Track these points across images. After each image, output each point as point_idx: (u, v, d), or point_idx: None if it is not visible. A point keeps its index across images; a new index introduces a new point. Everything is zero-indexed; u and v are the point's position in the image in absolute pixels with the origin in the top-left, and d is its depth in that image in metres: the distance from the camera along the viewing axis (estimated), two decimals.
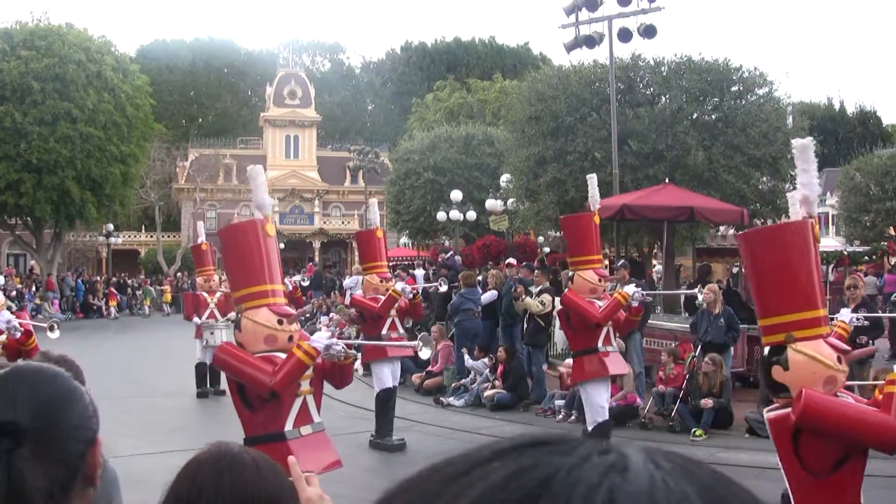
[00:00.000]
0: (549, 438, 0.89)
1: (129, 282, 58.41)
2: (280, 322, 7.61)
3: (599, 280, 12.52)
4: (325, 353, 7.71)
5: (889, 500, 11.76)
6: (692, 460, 0.87)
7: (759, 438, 14.86)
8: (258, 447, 7.18)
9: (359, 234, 16.01)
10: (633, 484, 0.81)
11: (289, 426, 7.70)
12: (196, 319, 20.85)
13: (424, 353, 8.27)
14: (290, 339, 7.63)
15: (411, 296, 15.15)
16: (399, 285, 14.95)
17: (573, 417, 17.06)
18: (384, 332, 14.74)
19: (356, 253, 55.59)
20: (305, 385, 7.88)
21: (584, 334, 12.66)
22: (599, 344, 12.62)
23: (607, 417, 12.97)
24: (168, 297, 56.14)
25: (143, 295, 55.85)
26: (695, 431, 15.38)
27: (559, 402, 17.92)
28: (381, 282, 14.70)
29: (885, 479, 12.16)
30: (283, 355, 7.52)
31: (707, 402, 15.32)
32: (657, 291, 19.98)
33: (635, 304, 12.50)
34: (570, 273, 12.89)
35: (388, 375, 14.90)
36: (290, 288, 18.88)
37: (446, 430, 16.87)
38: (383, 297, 14.59)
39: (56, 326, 11.74)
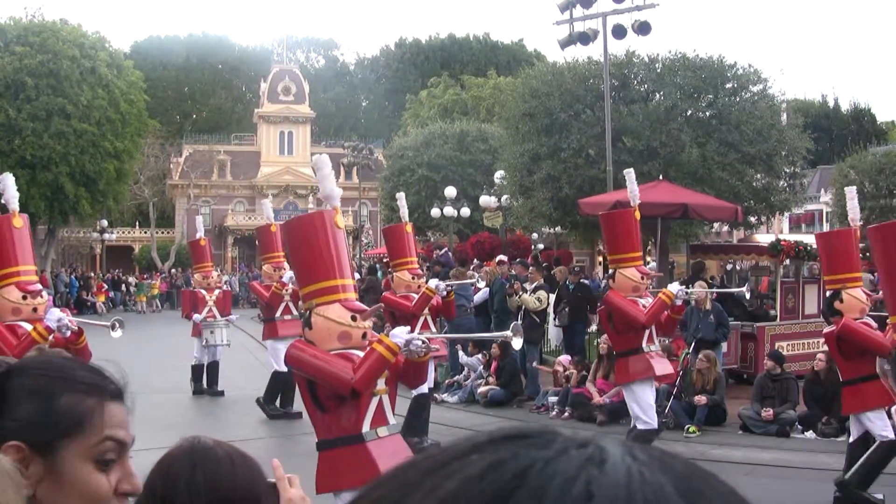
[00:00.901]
0: (528, 431, 0.89)
1: (125, 278, 58.41)
2: (353, 318, 7.30)
3: (642, 277, 12.25)
4: (405, 349, 7.32)
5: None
6: (669, 453, 0.88)
7: (753, 435, 14.92)
8: (335, 451, 7.15)
9: (387, 230, 15.94)
10: (610, 476, 0.82)
11: (366, 427, 7.30)
12: (196, 317, 20.22)
13: (517, 343, 7.82)
14: (364, 335, 7.37)
15: (445, 293, 14.76)
16: (433, 282, 14.59)
17: (566, 414, 17.09)
18: (416, 332, 14.21)
19: (351, 249, 55.68)
20: (381, 384, 7.46)
21: (627, 335, 12.41)
22: (643, 344, 12.33)
23: (655, 423, 12.64)
24: (155, 290, 56.23)
25: (137, 291, 55.65)
26: (688, 428, 15.42)
27: (553, 399, 17.95)
28: (413, 279, 14.41)
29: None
30: (359, 353, 7.26)
31: (700, 399, 15.37)
32: (710, 290, 19.89)
33: (679, 302, 12.27)
34: (612, 271, 12.56)
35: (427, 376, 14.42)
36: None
37: (440, 426, 16.85)
38: (416, 295, 14.30)
39: (119, 325, 11.04)
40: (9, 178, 10.52)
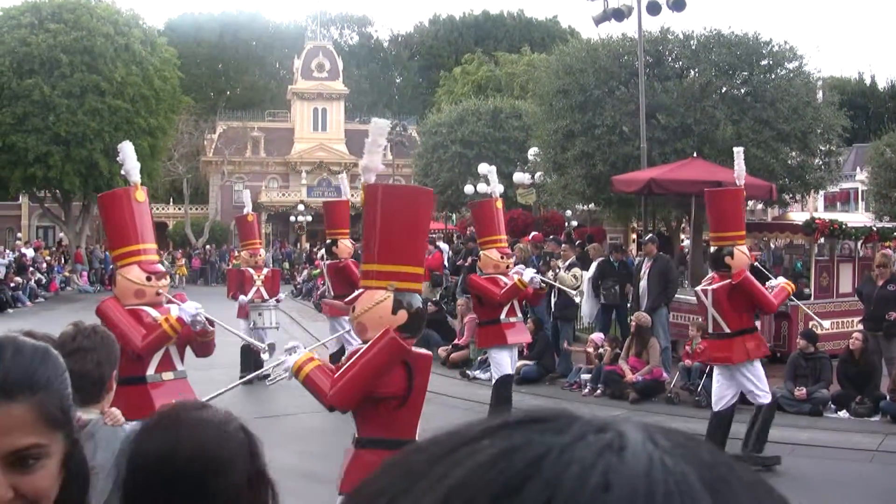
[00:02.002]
0: (543, 415, 0.85)
1: (160, 254, 58.67)
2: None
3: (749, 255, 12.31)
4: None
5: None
6: (693, 438, 0.83)
7: (786, 414, 14.84)
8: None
9: (475, 205, 15.08)
10: (630, 464, 0.77)
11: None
12: (242, 298, 18.93)
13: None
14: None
15: (540, 286, 14.09)
16: (527, 275, 13.62)
17: (599, 391, 17.07)
18: (503, 317, 13.96)
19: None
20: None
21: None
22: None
23: None
24: (184, 269, 55.94)
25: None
26: None
27: (585, 377, 17.93)
28: (502, 258, 13.75)
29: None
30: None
31: None
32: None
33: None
34: (718, 248, 12.09)
35: (507, 361, 14.06)
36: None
37: (472, 403, 16.88)
38: (504, 278, 13.70)
39: (271, 350, 10.44)
40: (128, 147, 9.43)
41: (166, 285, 9.23)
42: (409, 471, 0.82)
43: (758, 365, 11.95)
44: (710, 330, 12.19)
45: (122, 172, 9.18)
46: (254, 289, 18.94)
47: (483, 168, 14.87)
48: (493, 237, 13.92)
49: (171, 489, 2.56)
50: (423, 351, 7.09)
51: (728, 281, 11.60)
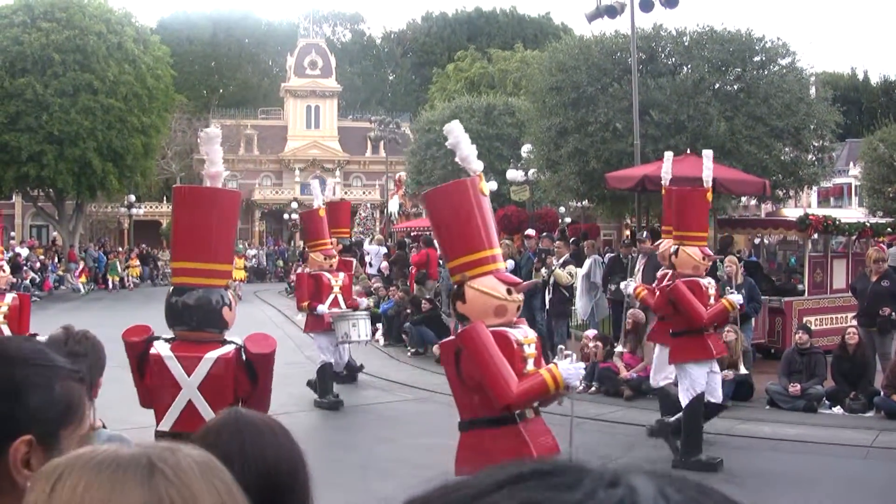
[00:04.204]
0: (554, 468, 0.84)
1: (154, 253, 58.60)
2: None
3: (703, 258, 11.98)
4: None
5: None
6: (705, 489, 0.82)
7: (781, 410, 14.87)
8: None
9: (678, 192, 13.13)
10: None
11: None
12: (321, 308, 16.29)
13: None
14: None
15: (741, 305, 13.37)
16: (736, 298, 12.64)
17: (593, 388, 17.07)
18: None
19: (378, 223, 55.77)
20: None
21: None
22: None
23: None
24: (135, 270, 52.99)
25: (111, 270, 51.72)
26: None
27: None
28: (704, 259, 12.04)
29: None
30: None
31: (728, 374, 15.28)
32: None
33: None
34: (675, 247, 12.16)
35: (703, 380, 11.99)
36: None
37: None
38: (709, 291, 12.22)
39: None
40: (457, 128, 8.15)
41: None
42: None
43: (688, 367, 11.88)
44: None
45: (459, 160, 7.51)
46: (331, 296, 16.53)
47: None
48: (695, 233, 12.40)
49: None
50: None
51: (669, 284, 11.82)
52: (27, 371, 2.18)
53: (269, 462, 2.60)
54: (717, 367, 12.42)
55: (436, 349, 20.81)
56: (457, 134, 7.32)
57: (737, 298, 12.71)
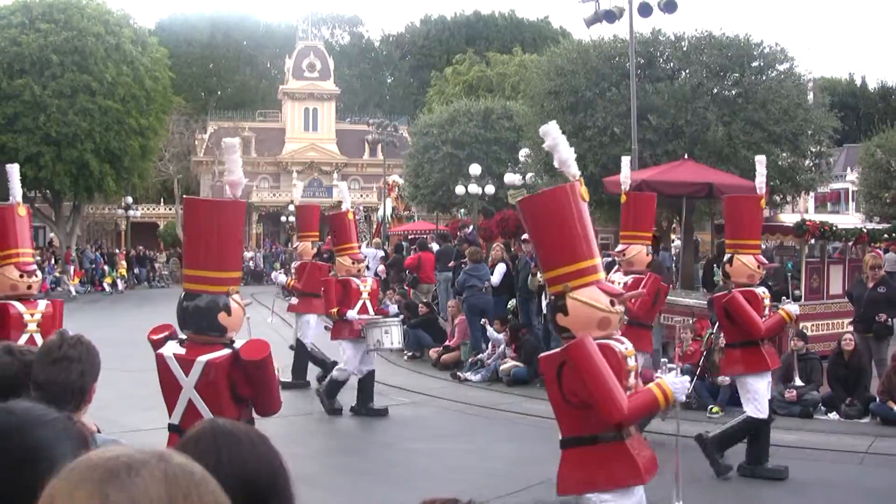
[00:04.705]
0: None
1: (150, 254, 58.57)
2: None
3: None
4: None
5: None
6: None
7: (777, 416, 14.85)
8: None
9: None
10: None
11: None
12: (351, 314, 15.56)
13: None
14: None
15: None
16: (794, 309, 12.48)
17: None
18: None
19: (373, 225, 55.80)
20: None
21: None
22: None
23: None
24: (123, 270, 52.91)
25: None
26: (711, 408, 15.40)
27: None
28: (759, 267, 11.76)
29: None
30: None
31: (724, 380, 15.28)
32: None
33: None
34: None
35: (766, 394, 11.81)
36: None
37: (464, 405, 16.90)
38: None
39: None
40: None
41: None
42: None
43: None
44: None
45: (557, 163, 7.08)
46: (360, 302, 15.87)
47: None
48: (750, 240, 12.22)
49: None
50: None
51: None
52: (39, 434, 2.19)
53: (247, 471, 2.58)
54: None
55: (432, 353, 20.81)
56: (554, 136, 6.96)
57: (794, 309, 12.53)
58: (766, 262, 12.68)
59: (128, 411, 14.55)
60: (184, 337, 7.21)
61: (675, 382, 6.58)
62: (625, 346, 6.64)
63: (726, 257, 11.84)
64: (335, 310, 15.82)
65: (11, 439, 2.21)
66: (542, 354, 7.04)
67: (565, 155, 6.89)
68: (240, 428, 2.75)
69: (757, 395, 11.50)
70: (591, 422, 6.41)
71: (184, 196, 7.40)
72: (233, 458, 2.58)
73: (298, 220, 17.92)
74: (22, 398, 2.24)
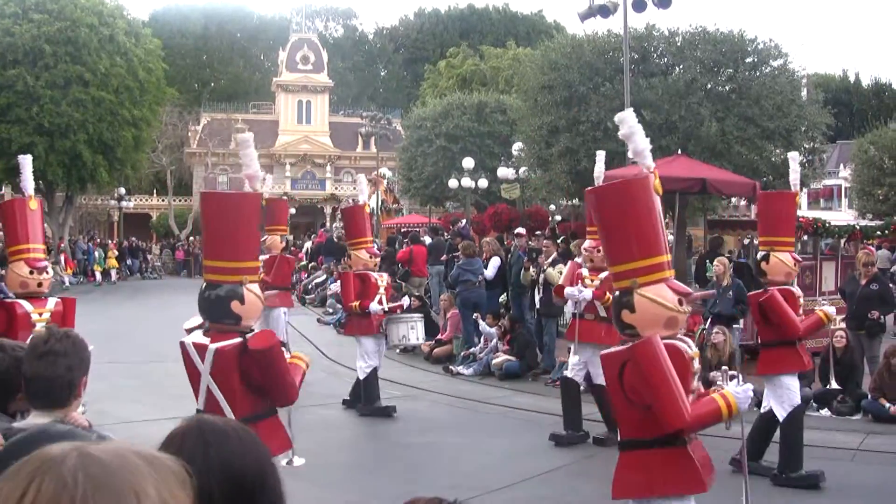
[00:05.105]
0: None
1: (143, 245, 58.47)
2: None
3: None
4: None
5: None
6: None
7: None
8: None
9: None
10: None
11: None
12: (374, 307, 15.11)
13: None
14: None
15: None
16: (831, 310, 12.23)
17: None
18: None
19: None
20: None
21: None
22: None
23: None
24: (114, 261, 52.28)
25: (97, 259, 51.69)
26: None
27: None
28: (795, 265, 11.60)
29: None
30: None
31: (716, 376, 15.25)
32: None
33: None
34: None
35: (798, 389, 11.76)
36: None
37: (456, 398, 16.90)
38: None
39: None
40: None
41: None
42: None
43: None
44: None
45: (631, 153, 7.13)
46: (377, 297, 15.39)
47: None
48: (783, 237, 11.99)
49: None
50: None
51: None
52: None
53: (234, 467, 2.57)
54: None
55: (424, 346, 20.78)
56: (630, 124, 6.84)
57: (832, 310, 12.31)
58: (801, 259, 12.58)
59: (120, 403, 14.55)
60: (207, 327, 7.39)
61: (738, 392, 6.39)
62: (691, 347, 6.50)
63: (760, 254, 11.57)
64: (356, 304, 15.36)
65: None
66: (603, 352, 6.76)
67: (641, 145, 6.76)
68: (228, 424, 2.73)
69: (790, 392, 11.40)
70: (653, 424, 6.22)
71: (200, 191, 7.45)
72: (221, 455, 2.57)
73: (267, 213, 17.69)
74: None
